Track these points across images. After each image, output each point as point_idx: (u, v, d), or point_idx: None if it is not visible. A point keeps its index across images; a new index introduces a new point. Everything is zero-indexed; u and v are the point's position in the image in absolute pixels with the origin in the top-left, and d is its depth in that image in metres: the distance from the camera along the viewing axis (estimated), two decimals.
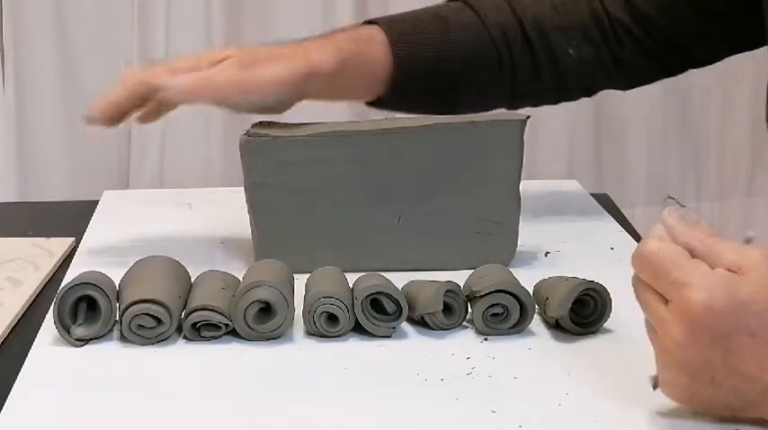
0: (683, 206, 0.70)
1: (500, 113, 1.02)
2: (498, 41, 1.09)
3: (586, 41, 1.10)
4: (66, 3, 2.14)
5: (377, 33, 1.08)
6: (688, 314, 0.65)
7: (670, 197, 0.70)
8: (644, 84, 1.16)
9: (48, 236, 1.11)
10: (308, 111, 1.06)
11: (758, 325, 0.65)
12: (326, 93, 1.06)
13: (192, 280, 0.90)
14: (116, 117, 1.00)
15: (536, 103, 1.16)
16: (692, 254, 0.67)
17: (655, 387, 0.71)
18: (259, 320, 0.84)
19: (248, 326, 0.84)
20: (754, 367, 0.66)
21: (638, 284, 0.69)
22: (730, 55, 1.12)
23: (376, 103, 1.11)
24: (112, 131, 2.24)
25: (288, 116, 1.03)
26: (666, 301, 0.67)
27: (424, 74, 1.07)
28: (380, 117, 1.10)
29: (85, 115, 1.02)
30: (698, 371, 0.67)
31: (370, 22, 1.11)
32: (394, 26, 1.08)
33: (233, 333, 0.85)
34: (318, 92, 1.03)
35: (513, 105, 1.13)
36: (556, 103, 1.17)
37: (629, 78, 1.15)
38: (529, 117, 0.99)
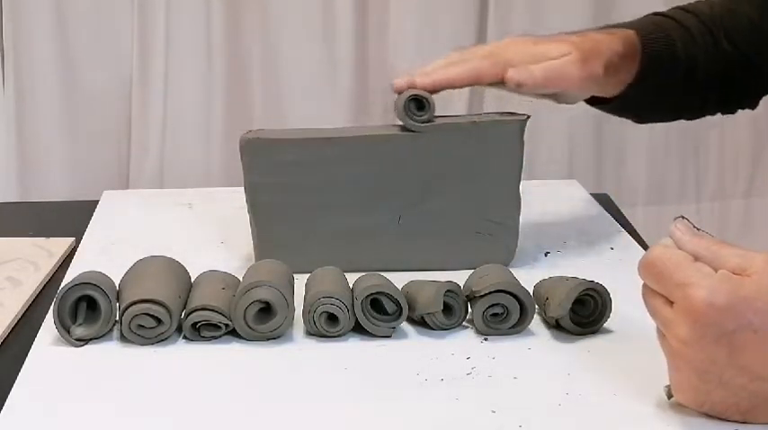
0: (694, 227, 0.71)
1: (500, 114, 1.02)
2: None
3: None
4: (66, 3, 2.14)
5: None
6: (691, 312, 0.66)
7: (682, 217, 0.71)
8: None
9: (48, 236, 1.11)
10: (309, 116, 1.06)
11: (761, 321, 0.66)
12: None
13: (192, 280, 0.90)
14: (436, 90, 1.00)
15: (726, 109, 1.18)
16: (698, 259, 0.68)
17: (669, 396, 0.72)
18: (259, 320, 0.84)
19: (248, 326, 0.84)
20: (761, 364, 0.67)
21: (645, 291, 0.71)
22: None
23: (611, 102, 1.10)
24: (112, 132, 2.24)
25: (290, 121, 1.03)
26: (672, 304, 0.68)
27: (668, 60, 1.08)
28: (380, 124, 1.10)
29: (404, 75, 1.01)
30: (706, 371, 0.68)
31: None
32: (637, 25, 1.10)
33: (233, 333, 0.85)
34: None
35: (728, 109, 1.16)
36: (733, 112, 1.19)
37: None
38: (529, 117, 0.99)
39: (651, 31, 1.09)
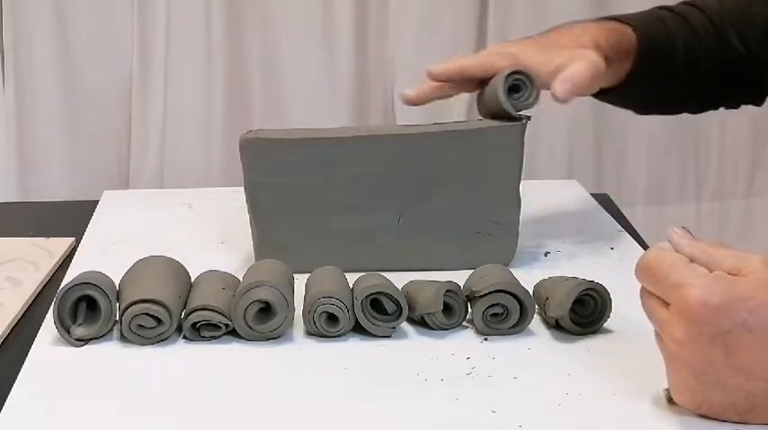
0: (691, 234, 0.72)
1: (500, 117, 1.02)
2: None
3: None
4: (66, 3, 2.14)
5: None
6: (686, 312, 0.66)
7: (683, 227, 0.72)
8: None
9: (48, 236, 1.11)
10: (309, 116, 1.06)
11: (755, 321, 0.65)
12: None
13: (192, 280, 0.90)
14: (450, 78, 1.02)
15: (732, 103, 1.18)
16: (694, 261, 0.69)
17: (669, 400, 0.72)
18: (259, 320, 0.84)
19: (248, 326, 0.84)
20: (757, 364, 0.67)
21: (643, 293, 0.71)
22: None
23: (609, 92, 1.10)
24: (112, 132, 2.24)
25: (290, 121, 1.03)
26: (667, 305, 0.68)
27: (667, 50, 1.08)
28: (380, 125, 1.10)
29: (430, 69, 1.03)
30: (703, 372, 0.68)
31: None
32: (634, 17, 1.10)
33: (233, 333, 0.85)
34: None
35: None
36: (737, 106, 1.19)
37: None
38: (529, 119, 0.99)
39: (648, 21, 1.09)
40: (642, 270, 0.70)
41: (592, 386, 0.76)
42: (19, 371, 0.79)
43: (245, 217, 1.01)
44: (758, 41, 1.10)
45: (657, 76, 1.08)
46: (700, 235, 0.73)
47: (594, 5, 2.17)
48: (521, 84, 0.97)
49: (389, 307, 0.85)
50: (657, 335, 0.70)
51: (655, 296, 0.69)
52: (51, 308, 0.84)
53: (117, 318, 0.85)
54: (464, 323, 0.87)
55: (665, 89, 1.11)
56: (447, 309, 0.86)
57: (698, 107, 1.18)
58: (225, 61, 2.18)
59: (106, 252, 1.06)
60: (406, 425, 0.71)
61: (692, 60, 1.09)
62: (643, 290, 0.71)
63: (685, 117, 1.24)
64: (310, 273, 0.91)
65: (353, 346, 0.84)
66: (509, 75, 0.97)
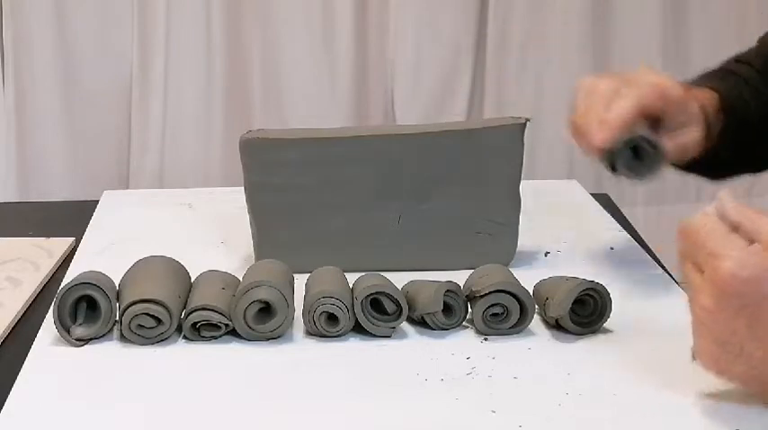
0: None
1: (500, 117, 1.01)
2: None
3: None
4: (66, 3, 2.14)
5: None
6: (716, 282, 0.67)
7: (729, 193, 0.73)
8: None
9: (48, 236, 1.11)
10: (309, 116, 1.06)
11: None
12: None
13: (192, 280, 0.90)
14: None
15: None
16: (738, 229, 0.69)
17: (693, 358, 0.72)
18: (259, 320, 0.84)
19: (248, 326, 0.84)
20: None
21: (680, 254, 0.72)
22: None
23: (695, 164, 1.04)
24: (112, 132, 2.24)
25: (290, 121, 1.03)
26: (702, 272, 0.69)
27: (744, 120, 1.03)
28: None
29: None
30: (727, 341, 0.68)
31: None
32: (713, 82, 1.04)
33: (233, 333, 0.85)
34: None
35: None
36: None
37: None
38: (528, 120, 0.99)
39: (720, 78, 1.04)
40: (683, 232, 0.71)
41: (592, 386, 0.76)
42: (19, 371, 0.79)
43: (245, 217, 1.01)
44: None
45: (739, 138, 1.03)
46: None
47: (594, 7, 2.17)
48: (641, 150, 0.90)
49: (389, 307, 0.85)
50: (689, 296, 0.71)
51: (691, 260, 0.70)
52: (51, 308, 0.84)
53: (117, 318, 0.85)
54: (464, 323, 0.87)
55: (745, 150, 1.06)
56: (447, 308, 0.86)
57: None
58: (225, 61, 2.18)
59: (106, 252, 1.06)
60: (406, 425, 0.71)
61: (762, 118, 1.05)
62: (680, 251, 0.71)
63: None
64: (310, 273, 0.91)
65: (353, 346, 0.84)
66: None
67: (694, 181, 2.41)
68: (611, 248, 1.06)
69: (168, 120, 2.19)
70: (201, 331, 0.84)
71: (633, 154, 0.90)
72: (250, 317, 0.84)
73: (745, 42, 1.13)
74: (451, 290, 0.86)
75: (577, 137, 0.94)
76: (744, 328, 0.67)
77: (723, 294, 0.67)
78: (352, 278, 0.89)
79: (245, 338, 0.84)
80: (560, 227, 1.13)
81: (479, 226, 1.00)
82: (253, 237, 1.01)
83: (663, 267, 1.01)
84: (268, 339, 0.84)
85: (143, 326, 0.83)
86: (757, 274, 0.66)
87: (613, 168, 0.90)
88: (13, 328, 0.89)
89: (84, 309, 0.84)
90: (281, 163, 0.98)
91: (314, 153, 0.98)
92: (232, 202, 1.12)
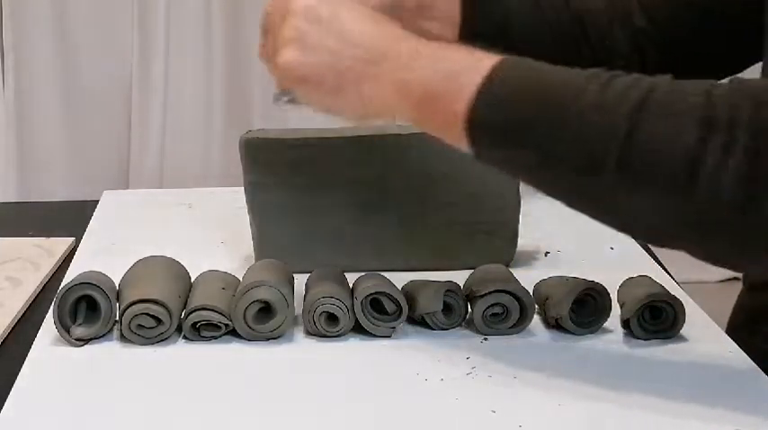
0: None
1: None
2: (551, 19, 1.06)
3: (620, 40, 1.09)
4: (66, 3, 2.14)
5: None
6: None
7: None
8: None
9: (48, 236, 1.11)
10: (309, 116, 1.05)
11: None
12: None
13: (192, 280, 0.90)
14: None
15: None
16: None
17: (279, 98, 0.83)
18: (259, 320, 0.84)
19: (248, 326, 0.84)
20: (353, 27, 0.78)
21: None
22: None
23: None
24: (112, 132, 2.24)
25: (290, 121, 1.03)
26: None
27: (485, 35, 1.05)
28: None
29: None
30: (308, 38, 0.79)
31: None
32: None
33: (233, 333, 0.85)
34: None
35: None
36: None
37: None
38: None
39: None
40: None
41: (592, 386, 0.76)
42: (19, 371, 0.79)
43: (245, 217, 1.01)
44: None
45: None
46: None
47: None
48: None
49: (389, 307, 0.85)
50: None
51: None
52: (51, 308, 0.84)
53: (117, 318, 0.85)
54: (464, 323, 0.87)
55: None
56: (447, 308, 0.86)
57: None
58: (225, 61, 2.18)
59: (106, 252, 1.06)
60: (406, 425, 0.71)
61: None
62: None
63: None
64: (310, 273, 0.91)
65: (353, 346, 0.84)
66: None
67: None
68: (612, 248, 1.06)
69: (168, 120, 2.19)
70: (201, 331, 0.84)
71: None
72: (250, 317, 0.84)
73: None
74: (451, 290, 0.86)
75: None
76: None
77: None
78: (352, 278, 0.89)
79: (245, 338, 0.84)
80: (560, 227, 1.13)
81: (479, 226, 1.00)
82: (253, 237, 1.01)
83: (663, 267, 1.01)
84: (268, 339, 0.84)
85: (143, 326, 0.83)
86: None
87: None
88: (13, 328, 0.89)
89: (84, 309, 0.84)
90: (281, 163, 0.98)
91: (314, 153, 0.98)
92: (232, 202, 1.12)
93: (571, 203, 0.76)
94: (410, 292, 0.87)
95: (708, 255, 0.72)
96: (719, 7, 1.02)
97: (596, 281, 0.86)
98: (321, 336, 0.85)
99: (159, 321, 0.83)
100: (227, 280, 0.89)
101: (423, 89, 0.76)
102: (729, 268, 0.73)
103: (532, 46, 1.04)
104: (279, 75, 0.82)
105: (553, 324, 0.86)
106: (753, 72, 0.94)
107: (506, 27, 1.06)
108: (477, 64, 0.75)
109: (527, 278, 0.89)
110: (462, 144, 0.75)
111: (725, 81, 0.71)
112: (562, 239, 1.08)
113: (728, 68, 1.09)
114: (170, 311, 0.83)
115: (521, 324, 0.85)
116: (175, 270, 0.90)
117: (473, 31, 1.03)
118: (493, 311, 0.85)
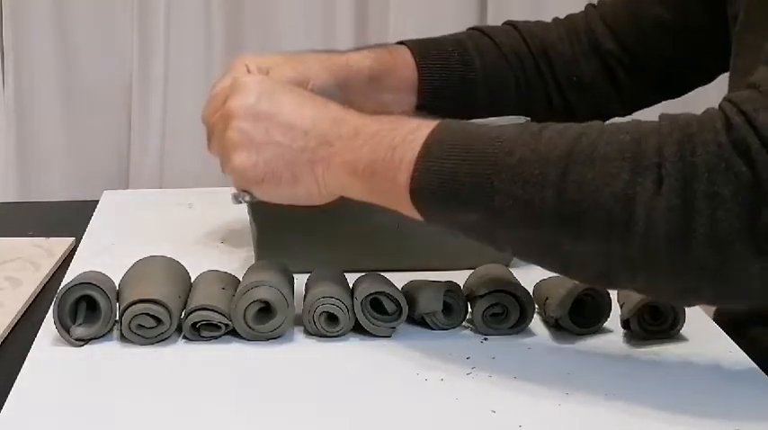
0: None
1: (500, 117, 1.02)
2: (515, 67, 1.10)
3: (587, 70, 1.10)
4: (66, 3, 2.14)
5: (404, 50, 1.08)
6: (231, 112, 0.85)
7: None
8: (645, 107, 1.15)
9: (48, 236, 1.11)
10: None
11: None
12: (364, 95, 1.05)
13: (192, 280, 0.90)
14: None
15: None
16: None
17: (239, 199, 0.86)
18: (259, 320, 0.84)
19: (248, 326, 0.84)
20: (295, 115, 0.82)
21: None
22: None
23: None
24: (112, 132, 2.24)
25: None
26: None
27: (447, 95, 1.08)
28: None
29: None
30: (254, 137, 0.83)
31: (399, 43, 1.11)
32: (420, 45, 1.09)
33: (233, 333, 0.85)
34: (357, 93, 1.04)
35: None
36: None
37: (629, 103, 1.15)
38: (529, 118, 0.99)
39: (434, 51, 1.08)
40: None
41: (592, 386, 0.76)
42: (19, 371, 0.79)
43: (245, 217, 1.01)
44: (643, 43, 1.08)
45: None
46: None
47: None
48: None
49: (389, 307, 0.85)
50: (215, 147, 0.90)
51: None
52: (51, 308, 0.84)
53: (117, 318, 0.85)
54: (464, 323, 0.87)
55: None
56: (447, 308, 0.86)
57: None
58: (225, 61, 2.18)
59: (106, 252, 1.06)
60: (406, 425, 0.71)
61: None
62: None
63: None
64: (310, 273, 0.91)
65: (353, 346, 0.84)
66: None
67: None
68: None
69: (168, 120, 2.19)
70: (201, 331, 0.84)
71: None
72: (250, 317, 0.84)
73: None
74: (451, 290, 0.86)
75: None
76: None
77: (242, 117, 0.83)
78: (352, 278, 0.89)
79: (245, 338, 0.84)
80: None
81: None
82: (253, 238, 1.01)
83: None
84: (268, 339, 0.84)
85: (143, 326, 0.83)
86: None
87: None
88: (13, 328, 0.89)
89: (84, 309, 0.84)
90: None
91: None
92: (232, 202, 1.12)
93: (521, 255, 0.78)
94: (410, 292, 0.87)
95: (656, 293, 0.73)
96: (687, 26, 1.03)
97: None
98: (321, 336, 0.85)
99: (159, 321, 0.83)
100: (227, 280, 0.89)
101: (367, 167, 0.79)
102: (681, 305, 0.74)
103: (498, 97, 1.07)
104: (235, 178, 0.86)
105: (553, 324, 0.86)
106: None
107: (468, 84, 1.07)
108: (414, 134, 0.78)
109: (527, 278, 0.89)
110: (414, 213, 0.78)
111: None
112: None
113: (697, 85, 1.10)
114: (170, 311, 0.83)
115: (521, 324, 0.85)
116: (175, 270, 0.90)
117: (434, 94, 1.05)
118: (493, 311, 0.85)
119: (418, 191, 0.76)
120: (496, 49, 1.10)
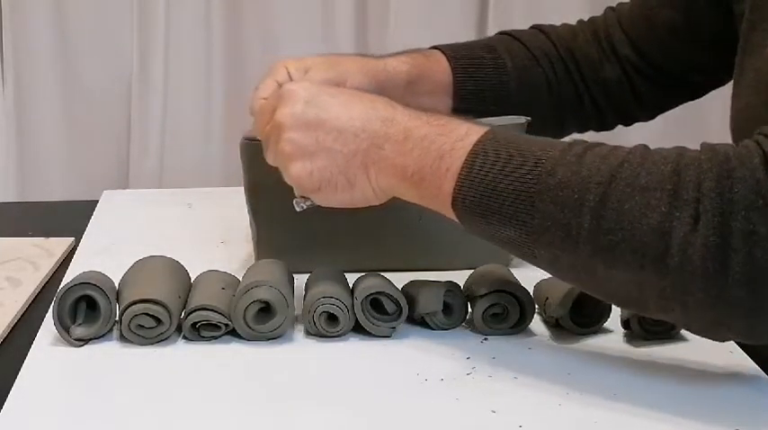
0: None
1: (500, 117, 1.02)
2: (546, 68, 1.10)
3: (611, 74, 1.11)
4: (65, 2, 2.14)
5: (439, 55, 1.09)
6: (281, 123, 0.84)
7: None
8: (664, 110, 1.16)
9: (47, 236, 1.11)
10: None
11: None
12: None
13: (192, 280, 0.90)
14: None
15: (580, 130, 1.17)
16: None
17: (300, 206, 0.87)
18: (259, 320, 0.84)
19: (248, 326, 0.84)
20: (344, 118, 0.82)
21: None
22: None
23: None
24: (112, 132, 2.24)
25: None
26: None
27: (482, 98, 1.08)
28: None
29: None
30: (306, 146, 0.83)
31: (432, 48, 1.11)
32: (454, 50, 1.10)
33: (233, 333, 0.85)
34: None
35: (561, 134, 1.14)
36: (598, 130, 1.17)
37: (648, 108, 1.15)
38: (529, 120, 0.99)
39: (467, 55, 1.09)
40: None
41: (592, 386, 0.76)
42: (19, 371, 0.79)
43: (245, 217, 1.01)
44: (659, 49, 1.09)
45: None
46: None
47: (593, 7, 2.17)
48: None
49: (389, 307, 0.85)
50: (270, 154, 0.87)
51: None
52: (51, 308, 0.84)
53: (117, 318, 0.85)
54: (464, 323, 0.87)
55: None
56: (447, 308, 0.86)
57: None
58: (225, 61, 2.18)
59: (106, 252, 1.06)
60: (406, 425, 0.71)
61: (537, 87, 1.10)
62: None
63: (687, 117, 1.24)
64: (310, 273, 0.91)
65: (353, 346, 0.84)
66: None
67: None
68: None
69: (168, 120, 2.19)
70: (201, 331, 0.84)
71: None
72: (250, 317, 0.84)
73: None
74: (451, 290, 0.86)
75: None
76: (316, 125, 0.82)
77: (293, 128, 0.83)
78: (352, 278, 0.89)
79: (245, 338, 0.84)
80: None
81: None
82: (253, 237, 1.01)
83: None
84: (268, 339, 0.84)
85: (143, 326, 0.83)
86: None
87: None
88: (13, 328, 0.89)
89: (83, 309, 0.84)
90: None
91: None
92: (232, 202, 1.12)
93: (556, 274, 0.77)
94: (410, 292, 0.87)
95: (690, 326, 0.73)
96: (698, 27, 1.03)
97: None
98: (321, 336, 0.85)
99: (159, 321, 0.83)
100: (227, 280, 0.89)
101: (416, 173, 0.80)
102: (713, 339, 0.74)
103: (531, 98, 1.07)
104: (294, 185, 0.86)
105: (553, 324, 0.86)
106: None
107: (502, 86, 1.08)
108: (462, 142, 0.78)
109: (527, 278, 0.89)
110: (456, 221, 0.79)
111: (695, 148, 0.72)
112: None
113: (714, 86, 1.10)
114: (170, 311, 0.83)
115: (521, 324, 0.85)
116: (175, 270, 0.90)
117: (469, 97, 1.06)
118: (493, 311, 0.85)
119: (460, 201, 0.77)
120: (527, 51, 1.11)
